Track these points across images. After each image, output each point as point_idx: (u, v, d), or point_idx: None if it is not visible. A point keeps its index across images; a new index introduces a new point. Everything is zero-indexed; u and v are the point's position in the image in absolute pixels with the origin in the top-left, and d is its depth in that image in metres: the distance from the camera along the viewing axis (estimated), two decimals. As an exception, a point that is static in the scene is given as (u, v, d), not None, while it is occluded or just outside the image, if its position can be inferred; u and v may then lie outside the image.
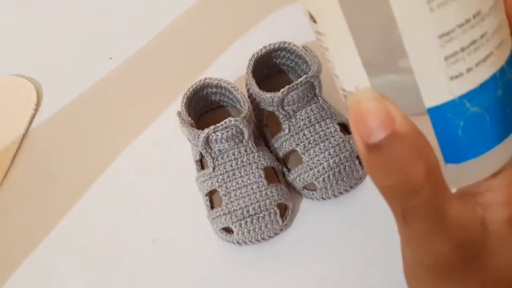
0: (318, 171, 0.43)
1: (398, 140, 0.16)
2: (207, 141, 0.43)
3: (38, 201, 0.49)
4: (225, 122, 0.43)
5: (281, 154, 0.46)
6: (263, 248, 0.43)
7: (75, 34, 0.60)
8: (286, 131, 0.45)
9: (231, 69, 0.51)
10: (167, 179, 0.48)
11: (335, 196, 0.44)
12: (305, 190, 0.45)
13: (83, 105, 0.55)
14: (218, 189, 0.44)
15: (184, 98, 0.46)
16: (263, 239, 0.43)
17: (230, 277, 0.43)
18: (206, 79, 0.47)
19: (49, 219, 0.48)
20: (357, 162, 0.44)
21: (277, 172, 0.46)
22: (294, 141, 0.45)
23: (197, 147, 0.45)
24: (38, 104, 0.55)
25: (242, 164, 0.44)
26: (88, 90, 0.55)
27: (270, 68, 0.50)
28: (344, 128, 0.46)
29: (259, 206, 0.42)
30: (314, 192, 0.44)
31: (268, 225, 0.42)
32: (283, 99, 0.44)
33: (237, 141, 0.44)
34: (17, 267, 0.46)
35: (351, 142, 0.44)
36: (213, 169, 0.44)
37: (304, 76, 0.43)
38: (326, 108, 0.45)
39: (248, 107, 0.44)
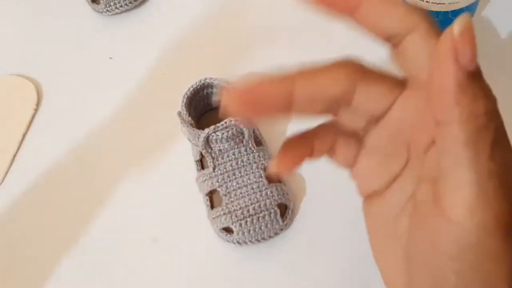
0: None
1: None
2: (207, 141, 0.43)
3: (38, 201, 0.49)
4: (225, 122, 0.43)
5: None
6: (263, 248, 0.43)
7: (75, 33, 0.60)
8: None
9: (231, 69, 0.51)
10: (167, 179, 0.48)
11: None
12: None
13: (83, 104, 0.55)
14: (218, 189, 0.44)
15: (184, 98, 0.46)
16: (263, 239, 0.43)
17: (230, 277, 0.43)
18: (206, 79, 0.47)
19: (48, 218, 0.48)
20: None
21: (277, 172, 0.45)
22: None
23: (197, 147, 0.45)
24: (38, 104, 0.55)
25: (242, 164, 0.44)
26: (88, 90, 0.56)
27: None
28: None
29: (259, 206, 0.42)
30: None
31: (268, 225, 0.42)
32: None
33: (237, 141, 0.44)
34: (17, 267, 0.46)
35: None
36: (213, 169, 0.44)
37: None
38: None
39: (248, 107, 0.44)
